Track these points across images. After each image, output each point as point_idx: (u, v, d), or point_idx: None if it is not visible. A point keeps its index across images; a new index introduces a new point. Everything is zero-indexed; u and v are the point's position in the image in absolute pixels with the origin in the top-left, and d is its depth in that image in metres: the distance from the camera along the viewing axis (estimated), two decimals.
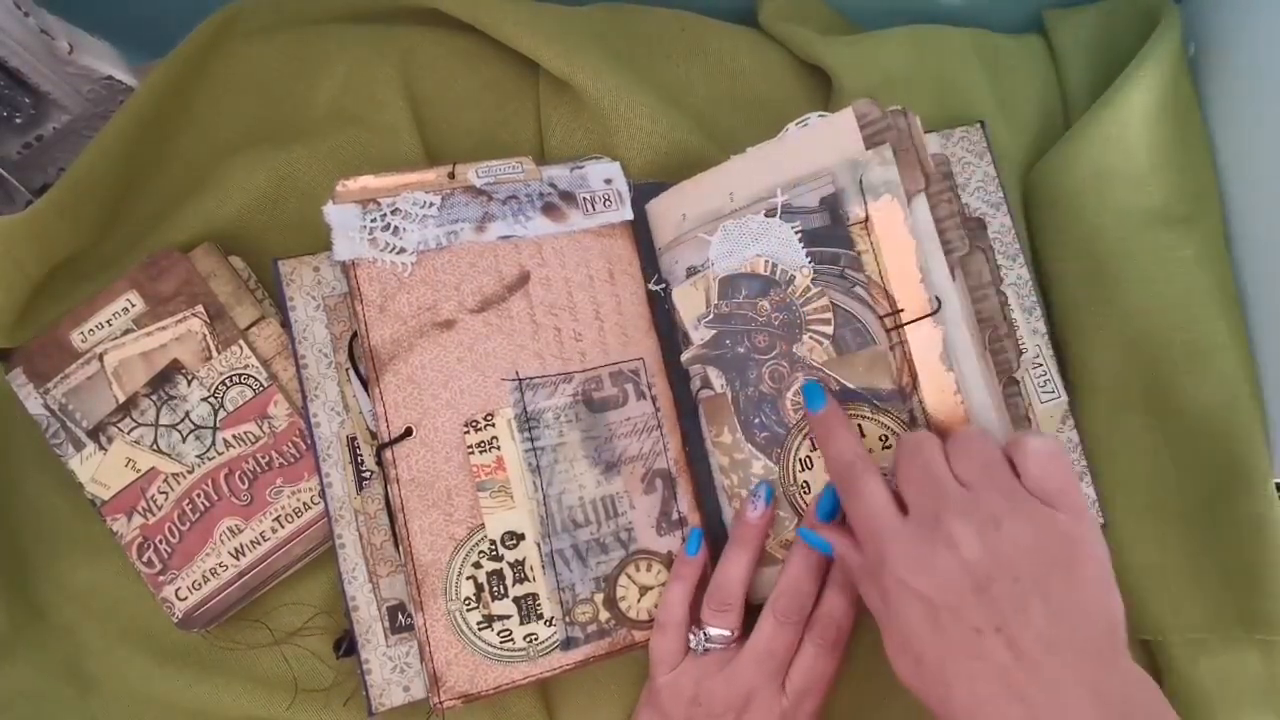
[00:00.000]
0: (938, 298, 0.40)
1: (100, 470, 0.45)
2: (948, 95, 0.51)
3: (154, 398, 0.46)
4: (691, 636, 0.43)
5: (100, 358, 0.46)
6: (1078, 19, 0.54)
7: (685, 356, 0.46)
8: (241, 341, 0.46)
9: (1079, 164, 0.48)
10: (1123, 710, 0.31)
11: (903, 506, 0.36)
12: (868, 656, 0.46)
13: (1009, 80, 0.53)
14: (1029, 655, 0.32)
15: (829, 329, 0.42)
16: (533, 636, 0.43)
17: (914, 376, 0.40)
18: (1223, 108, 0.49)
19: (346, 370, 0.45)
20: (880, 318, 0.40)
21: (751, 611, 0.43)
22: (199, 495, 0.46)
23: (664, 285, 0.47)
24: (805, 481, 0.43)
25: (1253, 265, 0.47)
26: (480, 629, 0.42)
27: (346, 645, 0.45)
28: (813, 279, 0.42)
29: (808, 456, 0.42)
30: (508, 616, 0.43)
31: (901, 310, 0.40)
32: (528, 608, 0.43)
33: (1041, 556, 0.33)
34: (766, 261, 0.43)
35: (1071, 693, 0.31)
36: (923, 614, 0.34)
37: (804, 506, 0.42)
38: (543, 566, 0.43)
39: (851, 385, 0.41)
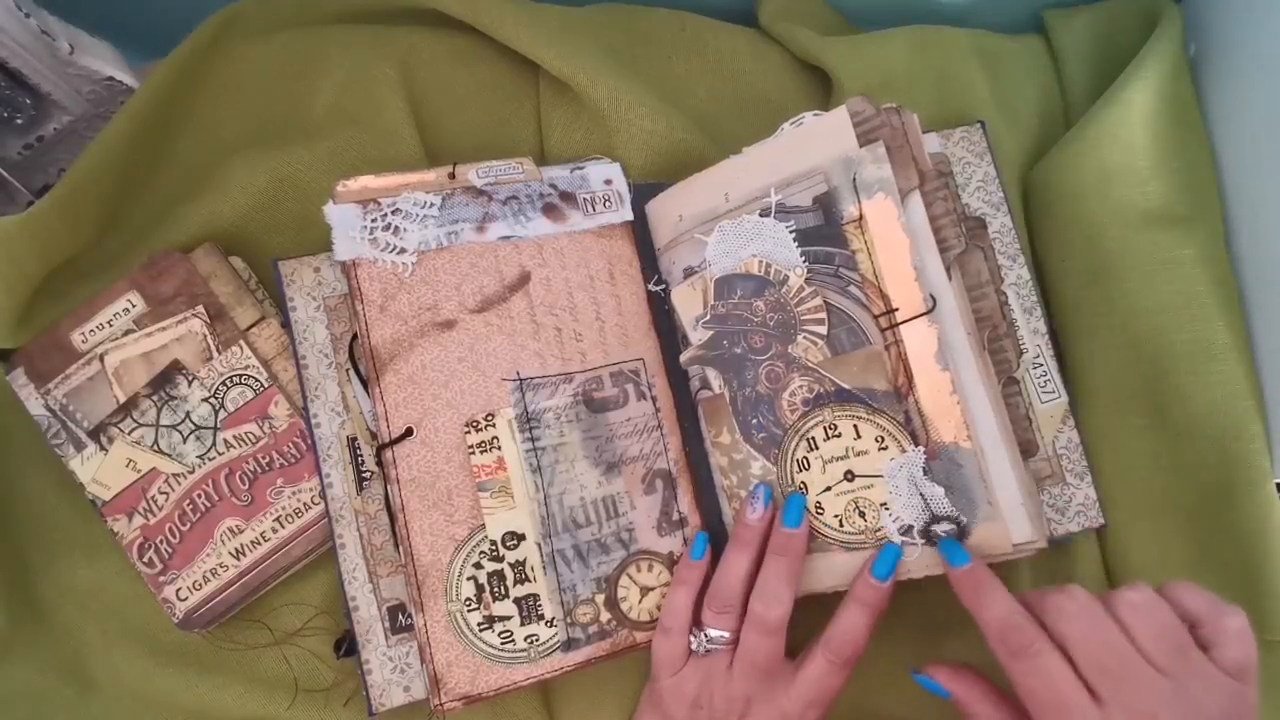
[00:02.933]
0: (932, 296, 0.39)
1: (101, 471, 0.45)
2: (948, 96, 0.51)
3: (155, 398, 0.46)
4: (692, 638, 0.43)
5: (101, 358, 0.46)
6: (1078, 19, 0.54)
7: (684, 357, 0.46)
8: (242, 342, 0.46)
9: (1079, 164, 0.48)
10: None
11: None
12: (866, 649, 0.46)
13: (1009, 80, 0.53)
14: None
15: (823, 329, 0.41)
16: (534, 637, 0.43)
17: (909, 376, 0.40)
18: (1223, 108, 0.49)
19: (347, 370, 0.45)
20: (875, 317, 0.40)
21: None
22: (199, 496, 0.46)
23: (664, 286, 0.47)
24: (803, 483, 0.42)
25: (1253, 265, 0.47)
26: (481, 630, 0.42)
27: (347, 645, 0.45)
28: (806, 279, 0.42)
29: (804, 458, 0.42)
30: (509, 617, 0.43)
31: (896, 309, 0.40)
32: (529, 608, 0.43)
33: None
34: (761, 262, 0.43)
35: None
36: None
37: None
38: (544, 567, 0.43)
39: (847, 386, 0.41)
